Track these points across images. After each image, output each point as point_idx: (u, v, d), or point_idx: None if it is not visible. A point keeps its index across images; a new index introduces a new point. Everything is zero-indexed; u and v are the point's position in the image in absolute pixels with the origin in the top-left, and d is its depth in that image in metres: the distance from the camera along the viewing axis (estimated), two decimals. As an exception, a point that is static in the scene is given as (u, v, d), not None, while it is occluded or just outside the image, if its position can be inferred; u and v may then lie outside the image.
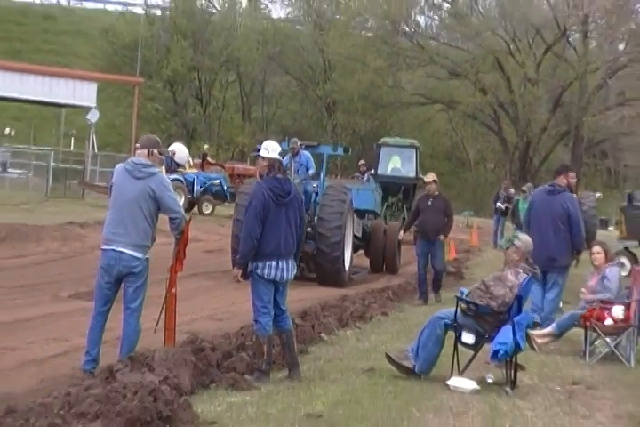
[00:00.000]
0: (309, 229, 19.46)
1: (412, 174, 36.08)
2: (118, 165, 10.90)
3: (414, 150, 37.55)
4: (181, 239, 10.65)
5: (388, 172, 36.48)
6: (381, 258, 24.89)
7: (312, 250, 20.73)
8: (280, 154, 11.39)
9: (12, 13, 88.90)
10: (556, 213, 15.22)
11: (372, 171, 36.72)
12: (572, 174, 16.11)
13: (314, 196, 21.53)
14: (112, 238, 10.40)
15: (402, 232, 21.21)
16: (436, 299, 19.61)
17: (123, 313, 10.60)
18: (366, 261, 25.29)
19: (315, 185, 21.49)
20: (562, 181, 15.64)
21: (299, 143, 22.03)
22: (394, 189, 35.32)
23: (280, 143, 24.47)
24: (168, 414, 8.54)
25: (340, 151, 23.76)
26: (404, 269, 25.47)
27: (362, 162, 39.89)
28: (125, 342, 10.55)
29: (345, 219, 21.11)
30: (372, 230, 24.58)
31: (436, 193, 19.73)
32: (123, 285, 10.55)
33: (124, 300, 10.58)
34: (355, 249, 23.40)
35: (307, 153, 22.46)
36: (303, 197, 13.73)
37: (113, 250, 10.38)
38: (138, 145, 10.82)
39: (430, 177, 20.06)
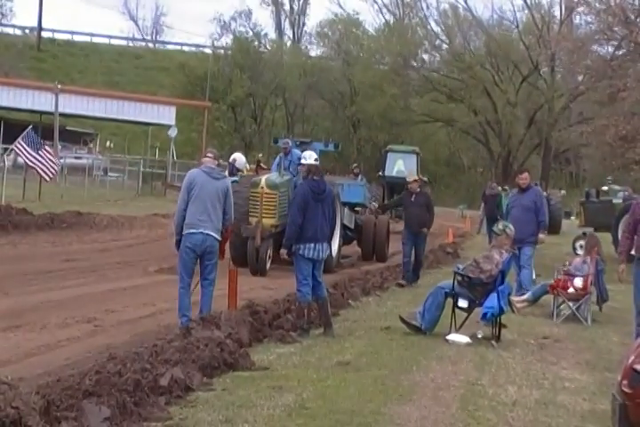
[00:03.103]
0: None
1: None
2: (193, 170, 10.96)
3: (415, 155, 36.50)
4: (224, 237, 10.72)
5: (394, 173, 35.15)
6: (371, 248, 22.34)
7: None
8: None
9: (111, 54, 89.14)
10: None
11: (379, 172, 35.89)
12: (520, 176, 15.61)
13: None
14: (199, 224, 10.40)
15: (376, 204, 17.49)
16: (412, 284, 17.17)
17: (201, 284, 10.63)
18: (358, 250, 22.82)
19: None
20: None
21: (290, 143, 19.63)
22: (398, 187, 34.62)
23: (275, 142, 22.41)
24: (231, 361, 8.63)
25: (331, 147, 22.01)
26: (393, 258, 22.47)
27: (355, 165, 38.99)
28: (206, 304, 10.60)
29: None
30: (363, 223, 22.11)
31: (418, 190, 17.46)
32: (200, 261, 10.55)
33: (202, 273, 10.62)
34: (348, 240, 21.24)
35: (297, 151, 18.61)
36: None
37: (201, 233, 10.40)
38: (210, 155, 10.83)
39: (412, 177, 18.23)
